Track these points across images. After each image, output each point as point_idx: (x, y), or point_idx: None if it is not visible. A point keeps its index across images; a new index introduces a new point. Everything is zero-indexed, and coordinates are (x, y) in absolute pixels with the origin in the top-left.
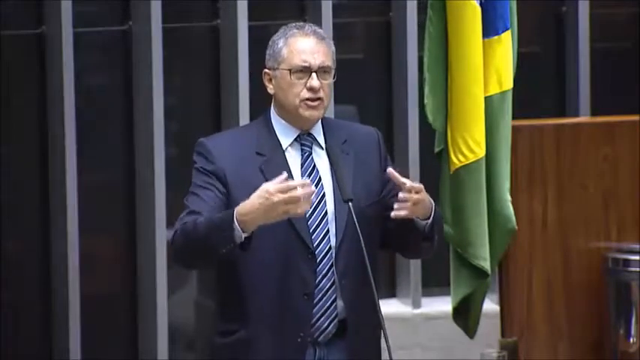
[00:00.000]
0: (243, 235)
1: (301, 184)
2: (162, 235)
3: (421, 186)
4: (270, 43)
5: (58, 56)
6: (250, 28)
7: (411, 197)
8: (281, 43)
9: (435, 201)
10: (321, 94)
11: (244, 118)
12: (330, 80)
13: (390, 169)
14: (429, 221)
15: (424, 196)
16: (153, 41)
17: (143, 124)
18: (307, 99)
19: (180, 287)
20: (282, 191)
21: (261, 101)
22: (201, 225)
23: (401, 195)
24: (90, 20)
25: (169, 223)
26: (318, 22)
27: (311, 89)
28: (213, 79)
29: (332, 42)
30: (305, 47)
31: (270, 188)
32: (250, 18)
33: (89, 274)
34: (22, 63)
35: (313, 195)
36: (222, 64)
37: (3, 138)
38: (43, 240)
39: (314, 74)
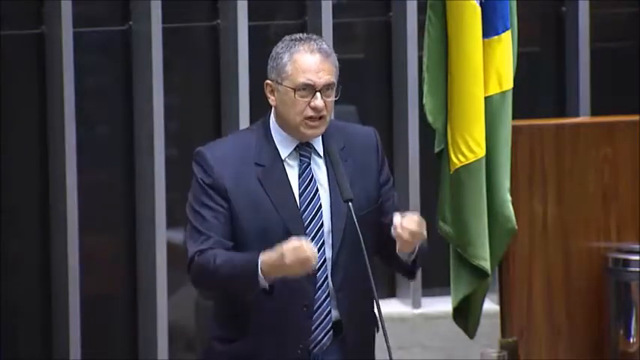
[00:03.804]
0: (267, 284)
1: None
2: (162, 235)
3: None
4: (273, 54)
5: (58, 56)
6: (250, 28)
7: (409, 225)
8: (285, 57)
9: (434, 201)
10: (324, 112)
11: (244, 117)
12: (333, 97)
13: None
14: (413, 256)
15: (420, 227)
16: (153, 41)
17: (143, 124)
18: (309, 117)
19: (180, 287)
20: (295, 254)
21: (261, 101)
22: (223, 269)
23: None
24: (90, 20)
25: (169, 223)
26: (318, 22)
27: (314, 108)
28: (213, 79)
29: (336, 56)
30: (310, 66)
31: (284, 250)
32: (250, 18)
33: (89, 274)
34: (22, 63)
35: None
36: (222, 64)
37: (3, 138)
38: (43, 240)
39: (318, 94)
